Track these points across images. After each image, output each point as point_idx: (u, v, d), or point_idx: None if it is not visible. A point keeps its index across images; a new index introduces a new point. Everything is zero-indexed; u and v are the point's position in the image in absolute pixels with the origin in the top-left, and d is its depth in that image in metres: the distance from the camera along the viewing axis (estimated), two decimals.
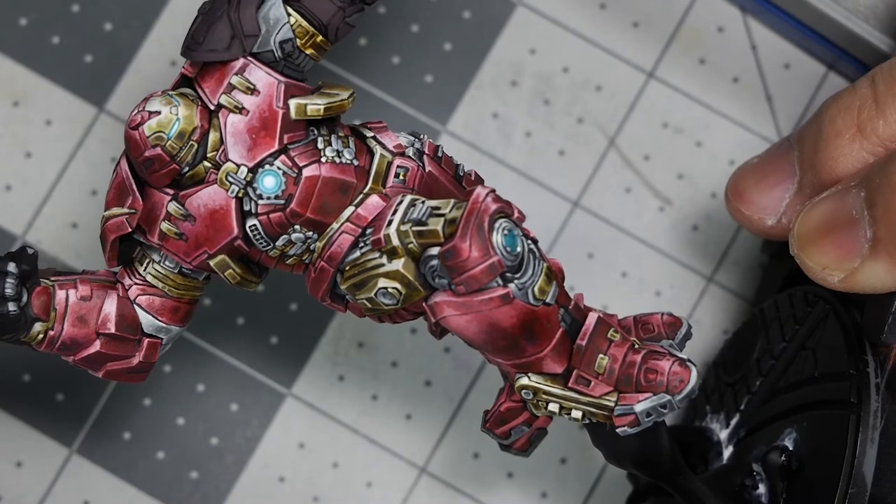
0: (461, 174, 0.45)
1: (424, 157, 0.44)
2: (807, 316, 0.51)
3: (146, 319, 0.45)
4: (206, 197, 0.42)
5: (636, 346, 0.43)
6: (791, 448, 0.49)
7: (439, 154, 0.45)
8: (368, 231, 0.42)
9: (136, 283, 0.45)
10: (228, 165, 0.42)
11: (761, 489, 0.49)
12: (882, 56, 0.57)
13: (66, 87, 0.63)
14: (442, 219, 0.41)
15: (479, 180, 0.46)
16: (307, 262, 0.44)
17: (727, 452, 0.53)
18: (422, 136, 0.45)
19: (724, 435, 0.53)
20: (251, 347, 0.61)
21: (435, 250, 0.41)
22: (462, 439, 0.61)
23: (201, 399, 0.61)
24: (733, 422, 0.53)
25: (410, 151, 0.44)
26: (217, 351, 0.61)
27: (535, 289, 0.41)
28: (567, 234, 0.62)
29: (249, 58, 0.42)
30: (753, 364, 0.53)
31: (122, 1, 0.63)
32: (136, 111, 0.42)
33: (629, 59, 0.63)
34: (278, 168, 0.42)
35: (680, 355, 0.43)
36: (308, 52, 0.43)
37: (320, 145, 0.43)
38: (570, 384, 0.42)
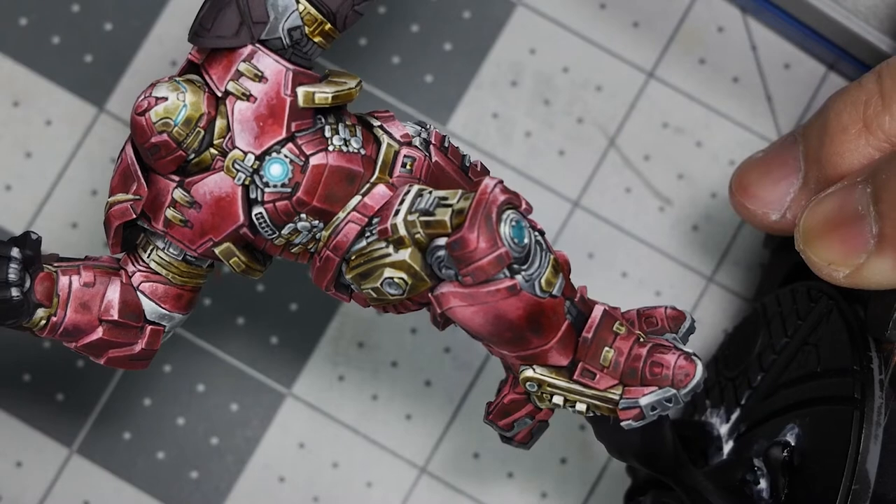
0: (467, 165, 0.45)
1: (431, 146, 0.44)
2: (810, 311, 0.51)
3: (149, 306, 0.45)
4: (213, 184, 0.42)
5: (641, 340, 0.43)
6: (793, 443, 0.49)
7: (446, 144, 0.45)
8: (375, 220, 0.42)
9: (139, 270, 0.45)
10: (235, 153, 0.42)
11: (762, 484, 0.49)
12: (882, 56, 0.57)
13: (66, 87, 0.63)
14: (449, 209, 0.41)
15: (485, 171, 0.46)
16: (312, 251, 0.43)
17: (727, 447, 0.53)
18: (428, 126, 0.45)
19: (724, 430, 0.53)
20: (251, 347, 0.61)
21: (442, 241, 0.40)
22: (462, 439, 0.61)
23: (201, 399, 0.61)
24: (734, 416, 0.53)
25: (417, 141, 0.44)
26: (217, 351, 0.61)
27: (542, 281, 0.41)
28: (567, 234, 0.62)
29: (257, 45, 0.42)
30: (754, 359, 0.53)
31: (122, 1, 0.63)
32: (142, 97, 0.42)
33: (629, 59, 0.63)
34: (285, 156, 0.42)
35: (686, 349, 0.43)
36: (316, 39, 0.42)
37: (327, 134, 0.43)
38: (575, 377, 0.42)
